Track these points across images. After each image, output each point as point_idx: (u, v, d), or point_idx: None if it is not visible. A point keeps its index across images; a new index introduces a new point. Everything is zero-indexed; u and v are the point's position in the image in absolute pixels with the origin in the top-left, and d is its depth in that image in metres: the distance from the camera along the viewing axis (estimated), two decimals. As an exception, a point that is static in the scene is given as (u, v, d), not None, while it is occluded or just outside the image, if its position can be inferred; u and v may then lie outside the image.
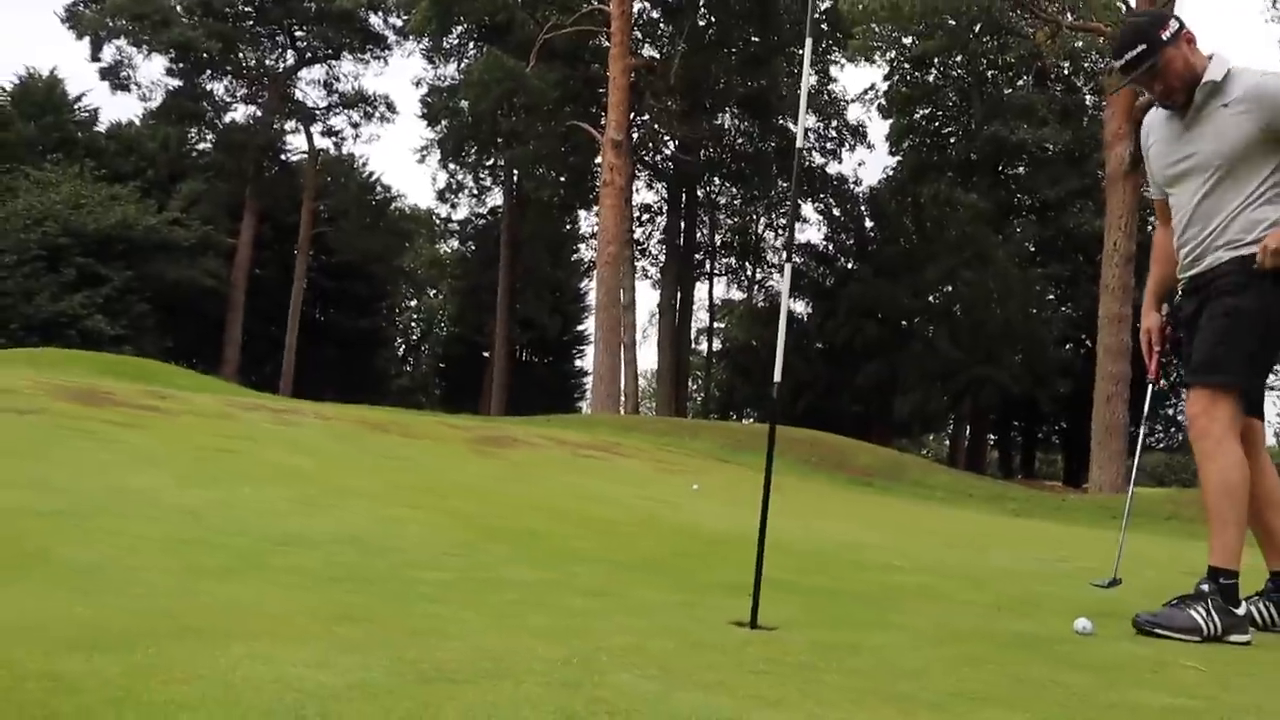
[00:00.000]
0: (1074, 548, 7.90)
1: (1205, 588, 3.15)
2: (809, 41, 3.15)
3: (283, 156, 44.96)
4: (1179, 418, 37.79)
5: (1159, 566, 5.64)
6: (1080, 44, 24.55)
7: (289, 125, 44.56)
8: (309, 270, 42.01)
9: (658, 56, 36.90)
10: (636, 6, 34.49)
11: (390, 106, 44.90)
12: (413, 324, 61.04)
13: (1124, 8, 21.84)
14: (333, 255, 44.69)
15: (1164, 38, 3.26)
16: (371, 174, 48.73)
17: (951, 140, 43.34)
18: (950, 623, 3.08)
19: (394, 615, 2.36)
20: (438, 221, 48.85)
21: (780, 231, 41.95)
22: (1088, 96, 39.08)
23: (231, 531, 3.52)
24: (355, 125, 45.14)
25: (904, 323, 36.60)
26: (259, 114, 42.83)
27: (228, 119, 42.94)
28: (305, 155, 43.83)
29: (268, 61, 43.46)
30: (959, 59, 40.01)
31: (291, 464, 6.62)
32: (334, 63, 44.24)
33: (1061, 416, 40.33)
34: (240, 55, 42.17)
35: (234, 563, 2.93)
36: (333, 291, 45.74)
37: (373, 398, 33.23)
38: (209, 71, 41.50)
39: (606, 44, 30.36)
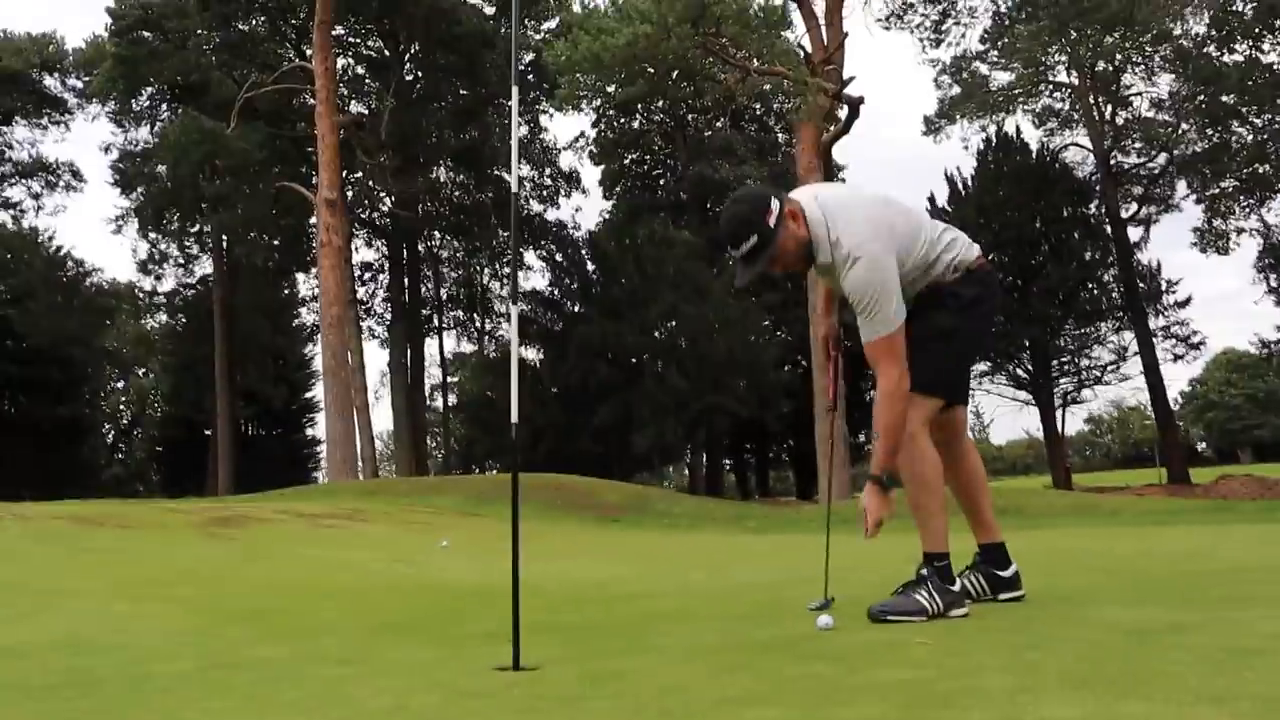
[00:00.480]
0: (810, 554, 8.37)
1: (924, 572, 3.48)
2: (515, 91, 3.24)
3: (-51, 234, 40.57)
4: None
5: (886, 560, 6.09)
6: (768, 87, 26.40)
7: (-45, 199, 40.30)
8: (-9, 358, 37.95)
9: (366, 112, 36.33)
10: (340, 63, 33.87)
11: (76, 174, 41.66)
12: (121, 407, 56.40)
13: (802, 53, 23.73)
14: (21, 340, 40.56)
15: (771, 224, 3.39)
16: (60, 248, 44.82)
17: (661, 182, 45.30)
18: (704, 638, 3.19)
19: (131, 713, 2.17)
20: (141, 295, 45.46)
21: (505, 281, 42.18)
22: (779, 134, 42.08)
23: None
24: (36, 196, 41.51)
25: (634, 360, 37.60)
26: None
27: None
28: (-23, 232, 39.72)
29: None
30: (661, 104, 41.97)
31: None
32: (4, 129, 40.44)
33: (788, 435, 42.72)
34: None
35: (-73, 687, 2.59)
36: (23, 379, 41.43)
37: (82, 492, 30.36)
38: None
39: (311, 102, 29.55)
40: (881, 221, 3.50)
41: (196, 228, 38.30)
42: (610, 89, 32.90)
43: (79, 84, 39.36)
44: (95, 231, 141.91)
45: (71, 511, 11.27)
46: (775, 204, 3.42)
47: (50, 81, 39.83)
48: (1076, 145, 37.34)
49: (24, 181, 41.30)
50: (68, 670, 2.80)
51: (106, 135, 66.14)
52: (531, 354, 40.70)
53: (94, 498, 25.99)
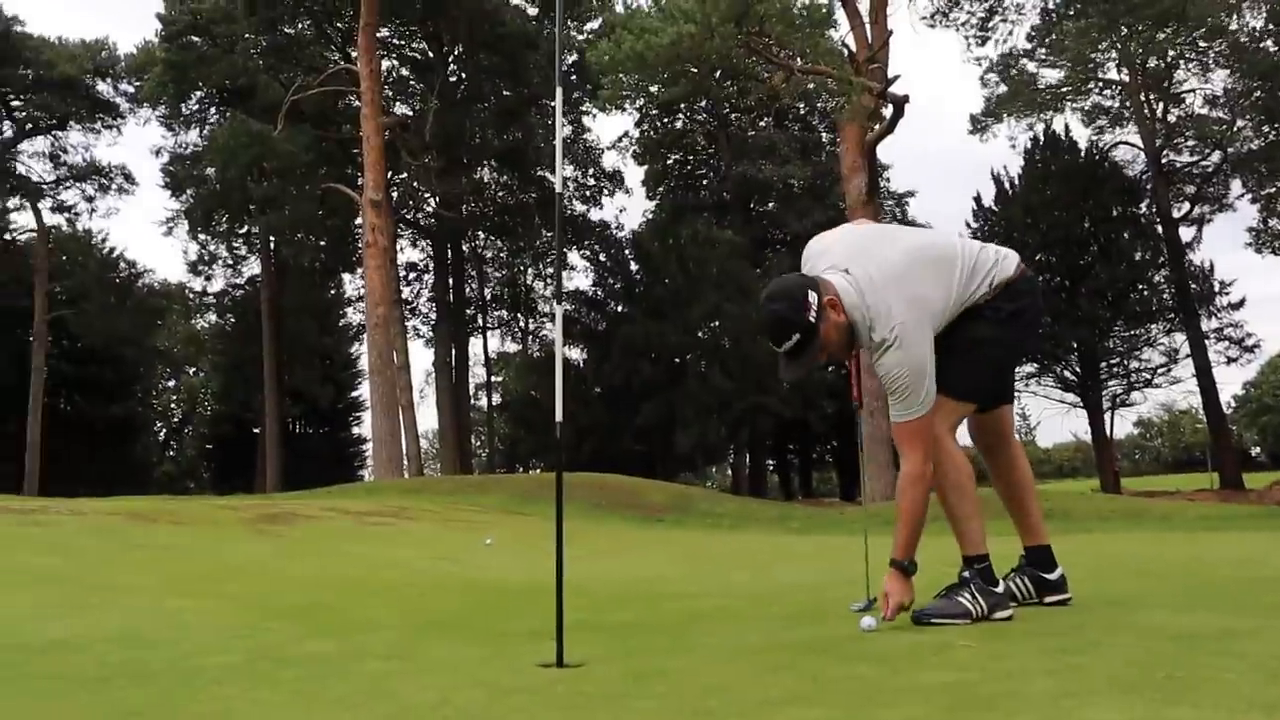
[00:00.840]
0: (853, 555, 8.32)
1: (966, 574, 3.47)
2: (559, 92, 3.25)
3: (7, 236, 41.44)
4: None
5: (929, 562, 6.05)
6: (812, 86, 26.26)
7: (12, 202, 41.15)
8: (48, 358, 38.72)
9: (411, 114, 36.65)
10: (385, 65, 34.19)
11: (128, 177, 42.33)
12: (173, 406, 57.40)
13: (846, 52, 23.58)
14: (75, 340, 41.41)
15: (812, 319, 3.35)
16: (113, 250, 45.69)
17: (704, 182, 45.23)
18: (747, 638, 3.19)
19: (182, 705, 2.22)
20: (192, 296, 46.24)
21: (549, 281, 42.37)
22: (823, 134, 41.83)
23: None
24: (90, 199, 42.21)
25: (677, 360, 37.60)
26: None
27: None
28: (34, 234, 40.56)
29: (-18, 134, 40.09)
30: (704, 104, 41.91)
31: (46, 566, 6.08)
32: (60, 133, 41.27)
33: (832, 435, 42.49)
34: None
35: (-12, 676, 2.67)
36: (78, 379, 42.33)
37: (135, 489, 30.97)
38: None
39: (357, 104, 29.88)
40: (917, 296, 3.45)
41: (245, 229, 38.87)
42: (653, 89, 32.92)
43: (130, 89, 40.04)
44: (147, 233, 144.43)
45: (125, 508, 11.49)
46: (813, 296, 3.38)
47: (103, 87, 40.56)
48: (1126, 143, 36.75)
49: (78, 185, 42.07)
50: (121, 662, 2.86)
51: (157, 139, 67.37)
52: (575, 354, 40.84)
53: (147, 494, 26.50)
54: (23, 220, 41.69)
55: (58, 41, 39.32)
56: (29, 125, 40.72)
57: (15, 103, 40.01)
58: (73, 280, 41.78)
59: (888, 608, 3.38)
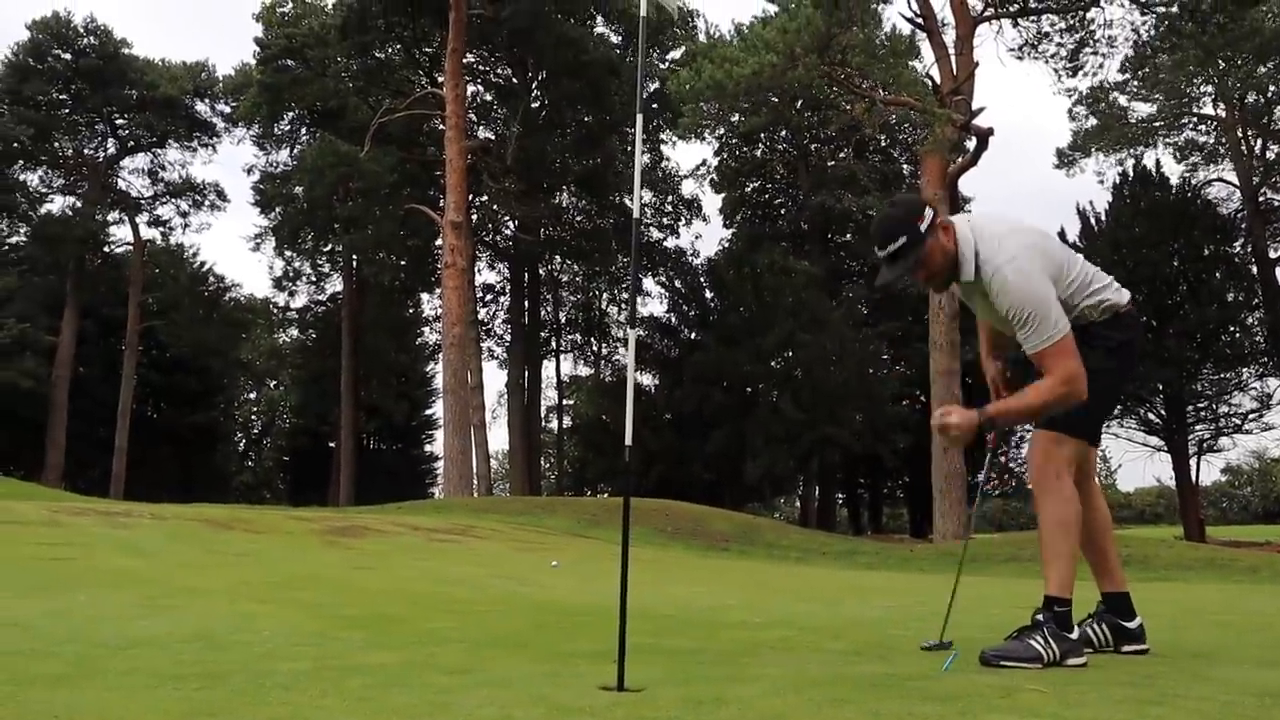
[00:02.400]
0: (923, 593, 8.18)
1: (1040, 617, 3.37)
2: (639, 119, 3.28)
3: (105, 248, 43.06)
4: (1011, 464, 39.78)
5: (1000, 604, 5.91)
6: (894, 117, 26.09)
7: (112, 216, 42.80)
8: (138, 366, 40.04)
9: (493, 138, 37.27)
10: (470, 89, 34.86)
11: (221, 194, 43.77)
12: (253, 417, 58.84)
13: (930, 83, 23.40)
14: (164, 350, 42.77)
15: (922, 229, 3.41)
16: (203, 264, 47.27)
17: (782, 211, 45.10)
18: (808, 670, 3.16)
19: (249, 707, 2.27)
20: (275, 310, 47.53)
21: (623, 306, 42.57)
22: (904, 166, 41.46)
23: (64, 639, 3.31)
24: (184, 214, 43.76)
25: (748, 389, 37.43)
26: (78, 205, 40.97)
27: (43, 211, 40.90)
28: (130, 246, 42.09)
29: (86, 150, 41.79)
30: (783, 134, 41.88)
31: (129, 567, 6.27)
32: (159, 151, 42.87)
33: (904, 470, 41.78)
34: (56, 144, 40.37)
35: (68, 670, 2.76)
36: (165, 387, 43.71)
37: (214, 496, 31.78)
38: (21, 161, 39.51)
39: (441, 127, 30.51)
40: (1033, 245, 3.47)
41: (329, 247, 39.84)
42: (734, 118, 33.00)
43: (227, 109, 41.45)
44: (236, 249, 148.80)
45: (204, 514, 11.80)
46: (929, 212, 3.47)
47: (201, 107, 42.13)
48: (1222, 180, 35.78)
49: (174, 200, 43.62)
50: (196, 662, 2.94)
51: (250, 157, 69.37)
52: (647, 379, 40.92)
53: (225, 502, 27.17)
54: (121, 234, 43.28)
55: (161, 63, 40.94)
56: (131, 143, 42.39)
57: (119, 121, 41.70)
58: (164, 292, 43.23)
59: (943, 421, 3.43)
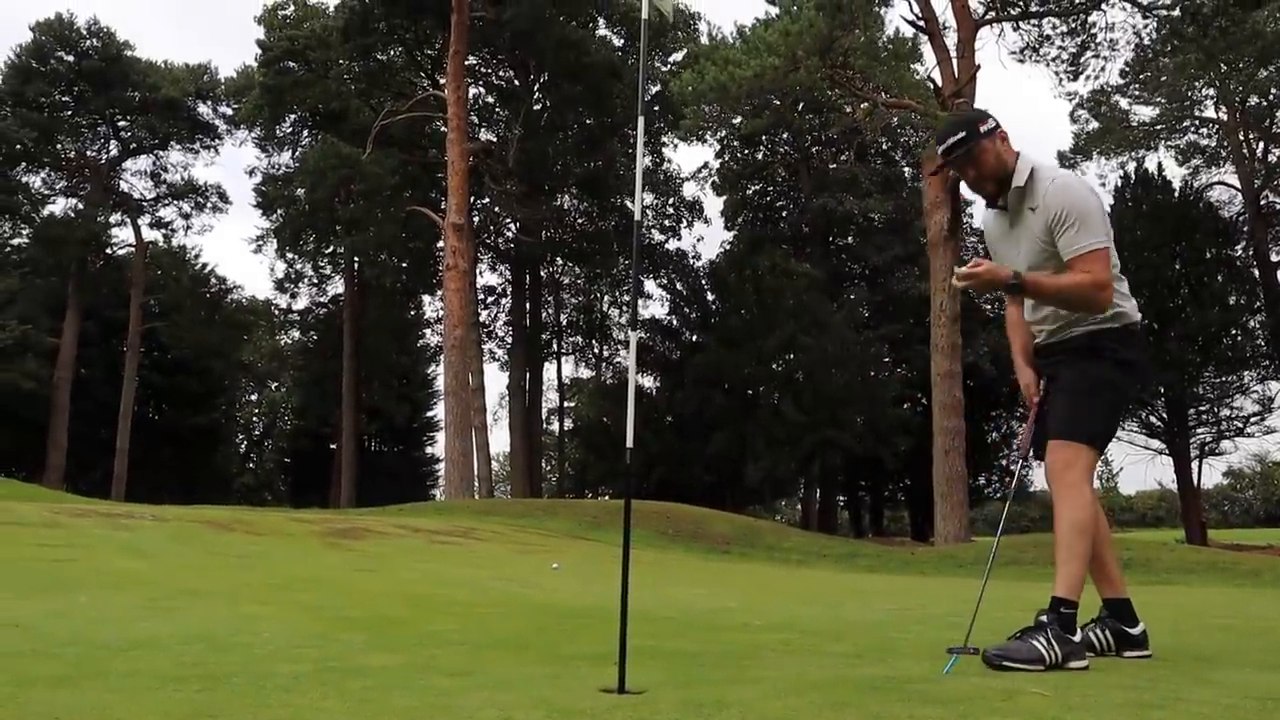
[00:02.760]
0: (924, 595, 8.18)
1: (1044, 619, 3.38)
2: (640, 121, 3.27)
3: (107, 250, 43.10)
4: (1012, 467, 39.72)
5: (1003, 605, 5.91)
6: (896, 120, 26.09)
7: (114, 218, 42.86)
8: (140, 368, 40.06)
9: (495, 140, 37.29)
10: (472, 92, 34.87)
11: (223, 196, 43.81)
12: (255, 419, 58.86)
13: (932, 85, 23.40)
14: (165, 351, 42.79)
15: (980, 130, 3.62)
16: (205, 266, 47.29)
17: (783, 213, 45.10)
18: (809, 673, 3.15)
19: (250, 709, 2.27)
20: (277, 312, 47.58)
21: (624, 308, 42.57)
22: (906, 168, 41.47)
23: (65, 640, 3.31)
24: (186, 216, 43.81)
25: (750, 391, 37.42)
26: (80, 207, 41.01)
27: (46, 212, 40.95)
28: (132, 248, 42.12)
29: (89, 152, 41.83)
30: (785, 136, 41.89)
31: (130, 569, 6.27)
32: (161, 153, 42.91)
33: (905, 473, 41.73)
34: (59, 146, 40.41)
35: (69, 671, 2.76)
36: (166, 389, 43.73)
37: (215, 497, 31.80)
38: (23, 163, 39.55)
39: (443, 129, 30.51)
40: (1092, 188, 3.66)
41: (330, 249, 39.87)
42: (735, 120, 33.02)
43: (229, 111, 41.48)
44: (237, 251, 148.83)
45: (205, 515, 11.80)
46: (993, 121, 3.67)
47: (204, 109, 42.16)
48: (1223, 184, 35.79)
49: (176, 202, 43.66)
50: (197, 664, 2.94)
51: (252, 159, 69.44)
52: (648, 382, 40.89)
53: (226, 504, 27.18)
54: (123, 235, 43.32)
55: (163, 65, 40.99)
56: (133, 144, 42.43)
57: (122, 123, 41.74)
58: (166, 294, 43.27)
59: (970, 268, 3.56)
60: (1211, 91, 32.00)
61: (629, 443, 3.24)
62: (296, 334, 50.56)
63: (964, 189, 25.84)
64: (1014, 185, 3.63)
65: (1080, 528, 3.50)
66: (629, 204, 38.44)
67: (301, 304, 45.58)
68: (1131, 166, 34.51)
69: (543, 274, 42.65)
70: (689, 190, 45.77)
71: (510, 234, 40.43)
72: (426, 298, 44.41)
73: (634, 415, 3.26)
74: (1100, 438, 3.65)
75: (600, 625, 4.31)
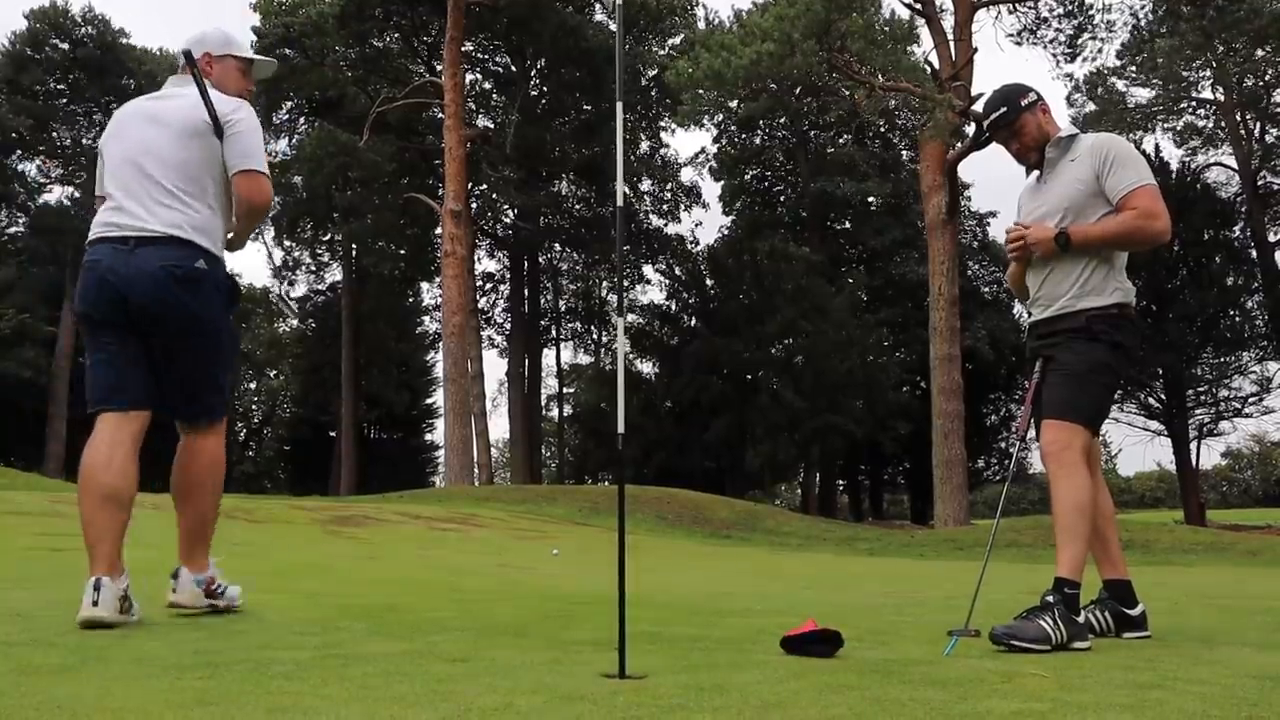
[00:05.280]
0: (924, 579, 8.20)
1: (1050, 599, 3.40)
2: (619, 107, 3.25)
3: (104, 240, 42.98)
4: (1011, 450, 39.78)
5: (1003, 587, 5.93)
6: (893, 103, 26.03)
7: (109, 207, 42.71)
8: (138, 356, 40.06)
9: (492, 126, 37.19)
10: (469, 78, 34.75)
11: (219, 184, 43.66)
12: (254, 407, 58.82)
13: (929, 69, 23.34)
14: (163, 340, 42.81)
15: (1023, 104, 3.84)
16: (203, 253, 47.14)
17: (781, 198, 45.06)
18: (810, 657, 3.16)
19: (252, 696, 2.28)
20: (275, 300, 47.54)
21: (623, 294, 42.51)
22: (903, 151, 41.40)
23: (65, 629, 3.31)
24: (183, 205, 43.63)
25: (749, 376, 37.44)
26: (77, 195, 40.92)
27: (42, 201, 40.86)
28: (129, 237, 42.02)
29: (85, 140, 41.68)
30: (783, 120, 41.79)
31: (130, 557, 6.26)
32: (157, 142, 42.72)
33: (904, 457, 41.87)
34: (54, 134, 40.29)
35: (70, 660, 2.76)
36: (165, 378, 43.72)
37: (213, 486, 31.74)
38: (19, 152, 39.44)
39: (440, 115, 30.43)
40: None
41: (328, 236, 39.82)
42: (732, 105, 32.91)
43: (225, 98, 41.32)
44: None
45: (205, 504, 11.79)
46: (1035, 94, 3.89)
47: (199, 96, 41.95)
48: (1220, 165, 35.75)
49: (172, 190, 43.54)
50: (195, 652, 2.94)
51: (249, 147, 68.79)
52: (646, 368, 40.91)
53: (225, 492, 27.20)
54: (119, 223, 43.28)
55: (159, 53, 40.84)
56: (128, 133, 42.25)
57: (116, 111, 41.58)
58: (164, 282, 43.15)
59: (1021, 231, 3.77)
60: (1208, 72, 31.91)
61: (620, 428, 3.24)
62: (295, 322, 50.55)
63: (961, 171, 25.80)
64: (1050, 147, 3.82)
65: (1080, 508, 3.53)
66: (626, 189, 38.40)
67: (299, 291, 45.72)
68: (1130, 148, 34.44)
69: (541, 260, 42.61)
70: (687, 175, 45.65)
71: (508, 220, 40.36)
72: (425, 285, 44.44)
73: (624, 399, 3.26)
74: (1095, 420, 3.68)
75: (600, 610, 4.32)
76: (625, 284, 42.08)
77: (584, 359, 48.15)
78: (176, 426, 4.07)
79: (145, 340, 3.67)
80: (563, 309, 46.02)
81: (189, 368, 3.82)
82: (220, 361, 3.92)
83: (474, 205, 36.31)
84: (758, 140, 43.73)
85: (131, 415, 3.81)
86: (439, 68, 31.21)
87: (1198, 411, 33.83)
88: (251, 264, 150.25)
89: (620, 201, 3.30)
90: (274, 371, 56.65)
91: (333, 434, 43.36)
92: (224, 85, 3.84)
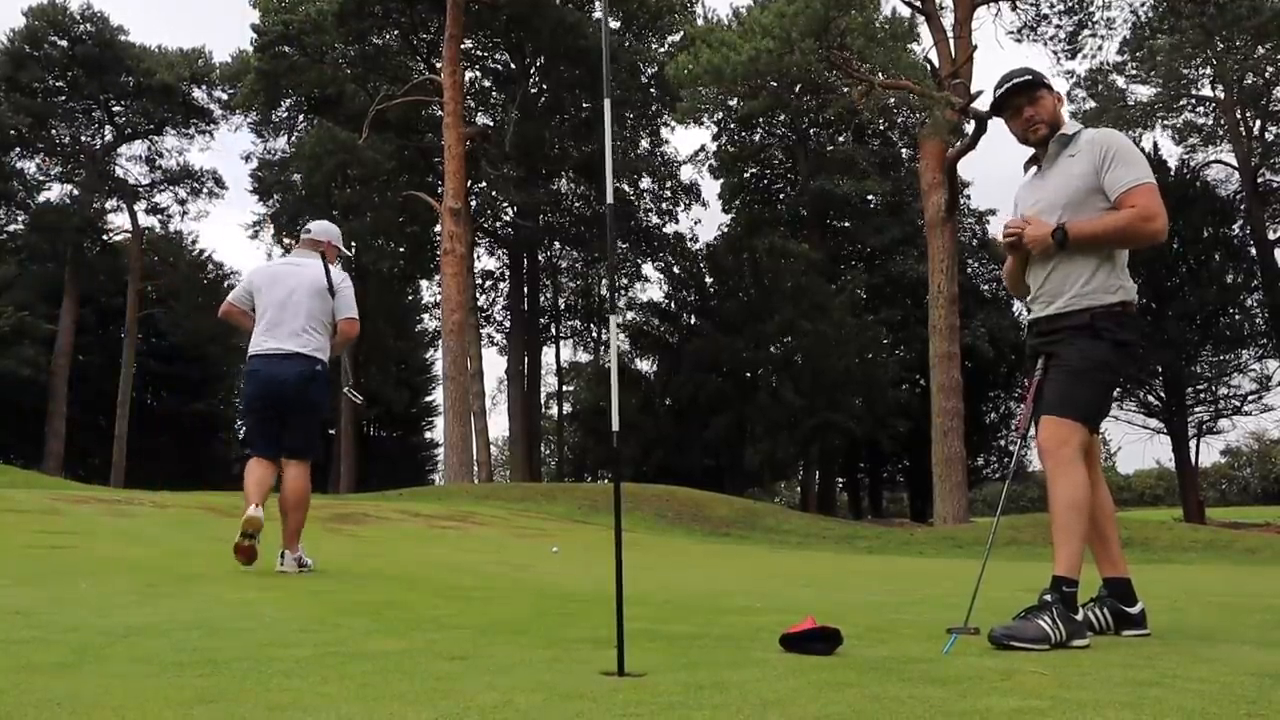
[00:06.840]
0: (924, 577, 8.20)
1: (1048, 598, 3.40)
2: (607, 103, 3.24)
3: (104, 236, 43.01)
4: (1010, 448, 39.80)
5: (1003, 585, 5.93)
6: (893, 101, 26.02)
7: (110, 204, 42.74)
8: (138, 354, 40.03)
9: (491, 124, 37.16)
10: (468, 75, 34.72)
11: (219, 182, 43.69)
12: (253, 405, 58.84)
13: (929, 66, 23.32)
14: (163, 337, 42.76)
15: (1046, 80, 3.84)
16: (202, 251, 47.20)
17: (781, 196, 45.03)
18: (809, 655, 3.16)
19: (251, 693, 2.28)
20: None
21: (622, 292, 42.48)
22: (903, 150, 41.37)
23: (66, 627, 3.31)
24: (182, 202, 43.70)
25: (748, 374, 37.43)
26: (76, 192, 40.89)
27: (41, 199, 40.83)
28: (129, 234, 42.02)
29: (84, 138, 41.66)
30: (782, 118, 41.74)
31: (130, 555, 6.27)
32: (156, 138, 42.75)
33: (903, 455, 41.84)
34: (53, 132, 40.26)
35: (70, 658, 2.76)
36: (165, 375, 43.73)
37: (213, 483, 31.78)
38: (18, 149, 39.41)
39: (439, 113, 30.41)
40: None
41: (328, 234, 39.70)
42: (732, 102, 32.87)
43: (224, 96, 41.29)
44: (234, 236, 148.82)
45: (205, 501, 11.81)
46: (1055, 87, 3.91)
47: (199, 94, 41.95)
48: (1220, 162, 35.73)
49: (172, 188, 43.53)
50: (195, 650, 2.94)
51: (247, 145, 69.13)
52: (645, 365, 40.89)
53: (225, 489, 27.17)
54: (119, 221, 43.23)
55: (158, 50, 40.78)
56: (128, 130, 42.26)
57: (116, 108, 41.58)
58: (163, 280, 43.20)
59: (1019, 225, 3.76)
60: (1208, 70, 31.90)
61: (614, 425, 3.24)
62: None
63: (961, 169, 25.79)
64: (1060, 132, 3.79)
65: (1077, 506, 3.52)
66: (626, 187, 38.36)
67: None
68: (1129, 145, 34.44)
69: (540, 258, 42.58)
70: (686, 173, 45.60)
71: (508, 218, 40.33)
72: (424, 282, 44.41)
73: (618, 396, 3.26)
74: (1094, 418, 3.67)
75: (600, 608, 4.32)
76: (624, 282, 42.06)
77: (583, 357, 48.18)
78: (281, 462, 6.16)
79: (280, 414, 6.02)
80: (562, 307, 45.99)
81: (303, 428, 6.15)
82: (319, 424, 6.45)
83: (473, 203, 36.30)
84: (757, 138, 43.69)
85: (265, 460, 6.11)
86: (438, 65, 31.17)
87: (1197, 409, 33.84)
88: (251, 262, 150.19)
89: (609, 199, 3.28)
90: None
91: (332, 431, 43.34)
92: (331, 258, 6.60)
